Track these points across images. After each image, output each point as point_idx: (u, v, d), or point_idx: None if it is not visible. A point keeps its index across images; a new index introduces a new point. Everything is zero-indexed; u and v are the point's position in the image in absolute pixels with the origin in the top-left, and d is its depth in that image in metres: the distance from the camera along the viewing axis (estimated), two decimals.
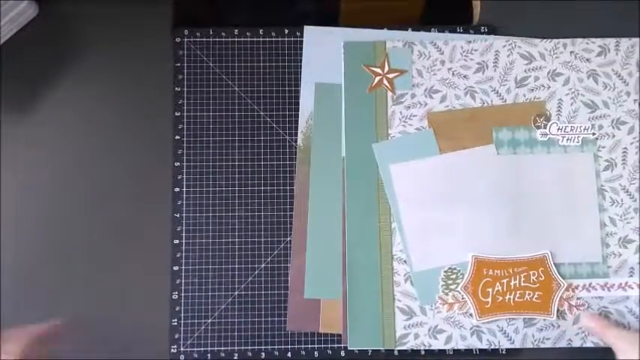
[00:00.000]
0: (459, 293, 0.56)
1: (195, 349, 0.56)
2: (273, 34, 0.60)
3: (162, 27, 0.60)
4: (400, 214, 0.57)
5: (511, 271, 0.56)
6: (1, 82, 0.59)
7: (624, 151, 0.58)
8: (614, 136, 0.58)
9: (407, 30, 0.60)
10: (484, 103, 0.59)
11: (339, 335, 0.56)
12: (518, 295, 0.56)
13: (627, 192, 0.57)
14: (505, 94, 0.59)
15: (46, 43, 0.59)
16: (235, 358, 0.56)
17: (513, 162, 0.58)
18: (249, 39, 0.60)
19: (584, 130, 0.58)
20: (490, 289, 0.56)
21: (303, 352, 0.56)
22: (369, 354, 0.56)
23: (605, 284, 0.56)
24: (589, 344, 0.55)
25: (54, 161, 0.58)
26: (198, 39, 0.60)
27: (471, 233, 0.57)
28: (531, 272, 0.56)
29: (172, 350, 0.56)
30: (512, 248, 0.57)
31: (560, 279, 0.56)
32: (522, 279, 0.56)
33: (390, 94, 0.59)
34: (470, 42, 0.59)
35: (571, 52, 0.59)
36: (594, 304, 0.56)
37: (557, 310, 0.56)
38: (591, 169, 0.58)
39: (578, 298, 0.56)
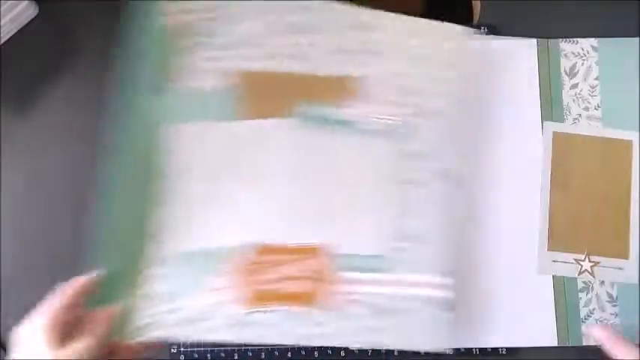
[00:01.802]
0: (224, 279, 0.49)
1: (196, 348, 0.56)
2: None
3: None
4: (172, 185, 0.50)
5: (286, 257, 0.50)
6: (0, 82, 0.59)
7: (428, 141, 0.53)
8: (420, 124, 0.53)
9: None
10: (293, 71, 0.52)
11: None
12: (289, 285, 0.50)
13: (427, 186, 0.53)
14: (318, 66, 0.53)
15: (46, 43, 0.59)
16: (235, 358, 0.56)
17: (314, 140, 0.52)
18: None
19: (393, 115, 0.53)
20: (258, 277, 0.50)
21: (304, 352, 0.56)
22: (369, 354, 0.56)
23: (385, 280, 0.51)
24: (363, 344, 0.50)
25: (54, 161, 0.58)
26: None
27: (248, 214, 0.50)
28: (306, 261, 0.50)
29: (172, 350, 0.56)
30: (291, 234, 0.51)
31: (337, 271, 0.50)
32: (296, 268, 0.50)
33: (186, 40, 0.51)
34: None
35: (394, 31, 0.54)
36: (371, 301, 0.50)
37: (330, 305, 0.50)
38: (393, 158, 0.52)
39: (354, 293, 0.50)
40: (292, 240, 0.51)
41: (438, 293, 0.51)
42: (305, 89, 0.52)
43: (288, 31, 0.53)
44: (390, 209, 0.52)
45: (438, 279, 0.51)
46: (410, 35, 0.54)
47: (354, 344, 0.51)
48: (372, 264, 0.51)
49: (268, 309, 0.50)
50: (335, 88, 0.53)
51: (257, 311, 0.50)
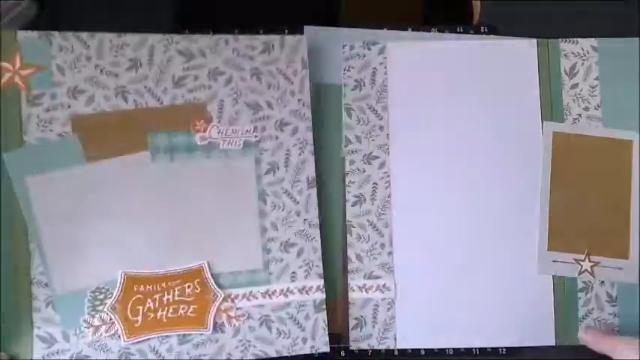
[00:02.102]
0: (107, 314, 0.52)
1: None
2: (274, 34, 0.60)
3: (162, 27, 0.60)
4: (40, 233, 0.52)
5: (164, 285, 0.53)
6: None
7: (287, 153, 0.56)
8: (277, 137, 0.56)
9: (407, 30, 0.60)
10: (138, 105, 0.54)
11: (339, 335, 0.56)
12: (171, 310, 0.53)
13: (289, 195, 0.55)
14: (162, 95, 0.54)
15: None
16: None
17: (170, 170, 0.54)
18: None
19: (247, 132, 0.55)
20: (141, 307, 0.52)
21: None
22: (369, 354, 0.56)
23: (266, 291, 0.54)
24: (250, 357, 0.53)
25: None
26: None
27: (121, 249, 0.53)
28: (187, 285, 0.53)
29: None
30: (167, 261, 0.53)
31: (217, 289, 0.53)
32: (177, 293, 0.53)
33: (24, 94, 0.52)
34: (120, 35, 0.54)
35: (233, 50, 0.55)
36: (255, 314, 0.54)
37: (215, 323, 0.53)
38: (252, 174, 0.55)
39: (238, 309, 0.54)
40: (171, 267, 0.53)
41: (317, 296, 0.55)
42: (153, 122, 0.54)
43: (125, 69, 0.54)
44: (258, 223, 0.55)
45: (315, 282, 0.55)
46: (247, 53, 0.56)
47: (248, 356, 0.53)
48: (253, 278, 0.54)
49: (156, 336, 0.52)
50: (185, 116, 0.54)
51: (142, 340, 0.52)
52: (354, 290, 0.57)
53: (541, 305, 0.56)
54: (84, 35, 0.54)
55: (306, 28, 0.60)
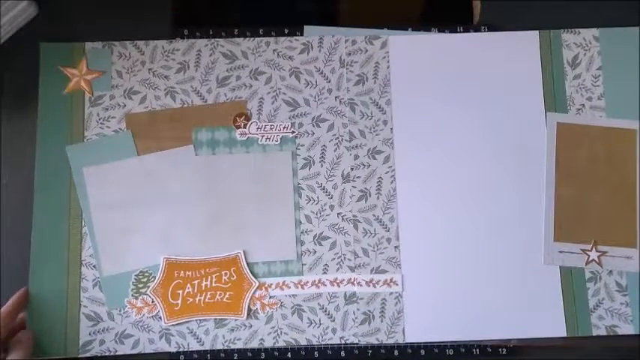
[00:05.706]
0: (149, 297, 0.55)
1: (195, 349, 0.56)
2: (273, 33, 0.60)
3: (162, 27, 0.60)
4: (92, 218, 0.56)
5: (203, 272, 0.56)
6: (1, 82, 0.58)
7: (323, 149, 0.58)
8: (313, 133, 0.58)
9: (407, 30, 0.60)
10: (184, 103, 0.58)
11: None
12: (208, 296, 0.55)
13: (324, 189, 0.57)
14: (206, 94, 0.58)
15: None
16: (235, 358, 0.56)
17: (211, 162, 0.57)
18: (249, 39, 0.60)
19: (284, 128, 0.58)
20: (180, 291, 0.55)
21: (304, 353, 0.56)
22: (369, 354, 0.56)
23: (298, 282, 0.56)
24: (281, 343, 0.56)
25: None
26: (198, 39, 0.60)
27: (165, 235, 0.56)
28: (223, 272, 0.56)
29: (172, 350, 0.56)
30: (206, 249, 0.56)
31: (252, 278, 0.56)
32: (214, 280, 0.56)
33: (87, 95, 0.58)
34: (171, 42, 0.59)
35: (274, 51, 0.59)
36: (288, 302, 0.56)
37: (250, 310, 0.56)
38: (288, 168, 0.58)
39: (271, 297, 0.56)
40: (209, 255, 0.56)
41: (348, 288, 0.56)
42: (198, 118, 0.58)
43: (174, 71, 0.59)
44: (293, 216, 0.57)
45: (346, 275, 0.56)
46: (287, 53, 0.59)
47: (280, 342, 0.56)
48: (286, 268, 0.57)
49: (193, 319, 0.55)
50: (226, 113, 0.58)
51: (181, 323, 0.55)
52: (361, 285, 0.56)
53: (549, 296, 0.56)
54: (140, 43, 0.59)
55: (306, 27, 0.60)
